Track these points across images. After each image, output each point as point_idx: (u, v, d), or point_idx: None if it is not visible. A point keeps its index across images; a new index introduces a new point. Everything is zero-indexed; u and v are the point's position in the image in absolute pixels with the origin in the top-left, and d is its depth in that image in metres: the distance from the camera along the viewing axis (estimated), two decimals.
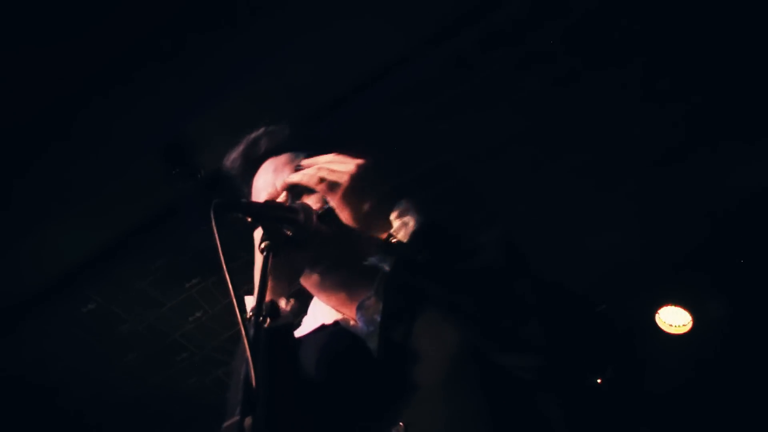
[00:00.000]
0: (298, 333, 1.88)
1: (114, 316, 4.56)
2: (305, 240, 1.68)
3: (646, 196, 4.56)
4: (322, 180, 1.67)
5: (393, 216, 1.66)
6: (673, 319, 5.05)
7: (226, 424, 1.23)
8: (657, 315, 5.08)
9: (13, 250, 3.88)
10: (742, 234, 4.75)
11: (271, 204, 1.74)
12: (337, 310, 1.88)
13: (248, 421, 1.19)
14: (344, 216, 1.67)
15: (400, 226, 1.64)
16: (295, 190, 1.82)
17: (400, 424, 1.55)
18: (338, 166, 1.69)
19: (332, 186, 1.67)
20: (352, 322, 1.82)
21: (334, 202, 1.68)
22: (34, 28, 3.02)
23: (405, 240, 1.62)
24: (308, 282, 1.87)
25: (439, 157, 4.19)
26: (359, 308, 1.79)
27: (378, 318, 1.74)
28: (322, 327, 1.84)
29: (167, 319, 4.69)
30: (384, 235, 1.64)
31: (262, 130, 1.99)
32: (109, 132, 3.48)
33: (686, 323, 5.04)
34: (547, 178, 4.35)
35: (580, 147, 4.23)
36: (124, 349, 4.83)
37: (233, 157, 1.99)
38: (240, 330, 1.33)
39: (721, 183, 4.48)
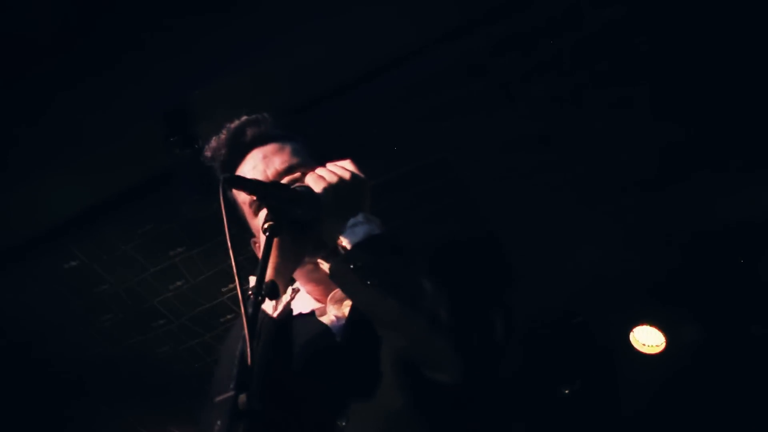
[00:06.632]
0: None
1: (95, 275, 4.54)
2: (308, 222, 1.69)
3: (630, 217, 4.60)
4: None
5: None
6: (647, 339, 5.11)
7: (218, 398, 1.23)
8: (631, 334, 5.14)
9: (3, 198, 3.85)
10: (719, 262, 4.80)
11: (277, 184, 1.75)
12: (317, 300, 1.90)
13: (242, 397, 1.20)
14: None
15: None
16: (288, 176, 1.84)
17: (341, 423, 1.59)
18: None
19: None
20: (327, 315, 1.85)
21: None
22: None
23: (348, 248, 1.63)
24: (300, 271, 1.87)
25: (434, 155, 4.20)
26: (330, 300, 1.83)
27: (347, 313, 1.79)
28: (300, 315, 1.86)
29: (148, 285, 4.67)
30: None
31: (243, 119, 1.94)
32: (114, 93, 3.46)
33: (659, 344, 5.10)
34: (536, 188, 4.38)
35: (572, 160, 4.25)
36: (102, 310, 4.81)
37: (215, 146, 1.93)
38: (240, 307, 1.34)
39: (703, 211, 4.52)
